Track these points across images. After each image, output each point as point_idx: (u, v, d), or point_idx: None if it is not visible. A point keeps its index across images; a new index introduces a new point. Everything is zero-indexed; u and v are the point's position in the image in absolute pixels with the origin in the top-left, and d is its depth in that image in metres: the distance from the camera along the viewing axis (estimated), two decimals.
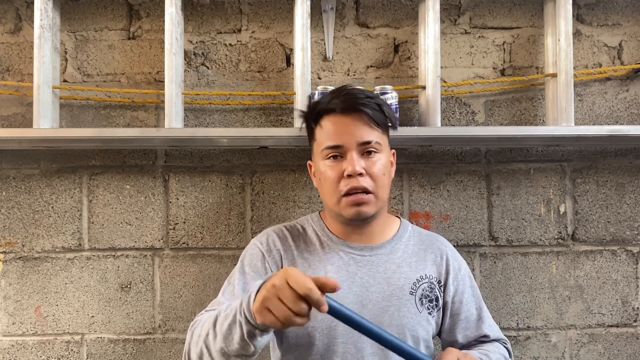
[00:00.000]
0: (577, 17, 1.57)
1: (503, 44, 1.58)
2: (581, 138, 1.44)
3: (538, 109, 1.57)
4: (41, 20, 1.41)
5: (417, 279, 1.11)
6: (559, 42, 1.45)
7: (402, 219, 1.21)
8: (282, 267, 1.09)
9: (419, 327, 1.08)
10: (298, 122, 1.43)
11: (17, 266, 1.52)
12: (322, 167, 1.08)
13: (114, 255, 1.53)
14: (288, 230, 1.16)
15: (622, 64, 1.58)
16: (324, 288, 0.79)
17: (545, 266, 1.55)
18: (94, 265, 1.53)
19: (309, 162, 1.18)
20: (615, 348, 1.55)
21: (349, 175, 1.03)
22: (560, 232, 1.56)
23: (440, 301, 1.13)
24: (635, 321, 1.56)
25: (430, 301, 1.11)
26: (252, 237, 1.52)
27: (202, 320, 0.97)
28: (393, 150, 1.16)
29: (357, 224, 1.10)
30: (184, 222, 1.54)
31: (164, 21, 1.43)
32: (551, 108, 1.49)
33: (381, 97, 1.43)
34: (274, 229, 1.16)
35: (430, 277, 1.12)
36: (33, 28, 1.43)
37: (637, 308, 1.56)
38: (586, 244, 1.56)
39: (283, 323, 0.78)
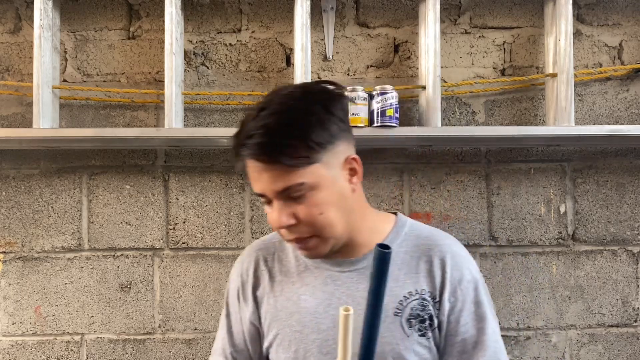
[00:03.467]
0: (578, 17, 1.57)
1: (503, 43, 1.58)
2: (581, 138, 1.44)
3: (538, 109, 1.57)
4: (41, 20, 1.41)
5: (404, 296, 0.92)
6: (559, 42, 1.45)
7: (399, 217, 1.01)
8: (254, 298, 1.01)
9: (408, 353, 0.91)
10: None
11: (17, 266, 1.52)
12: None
13: (114, 256, 1.53)
14: (263, 248, 1.03)
15: (622, 63, 1.58)
16: None
17: (545, 266, 1.55)
18: (93, 266, 1.53)
19: None
20: (616, 348, 1.55)
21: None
22: (560, 232, 1.56)
23: (435, 320, 0.93)
24: (635, 321, 1.55)
25: (422, 321, 0.92)
26: (252, 238, 1.54)
27: None
28: (349, 156, 0.90)
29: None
30: (184, 222, 1.54)
31: (163, 21, 1.43)
32: (551, 108, 1.49)
33: (382, 96, 1.38)
34: (248, 252, 1.05)
35: (422, 292, 0.93)
36: (33, 28, 1.43)
37: (638, 308, 1.56)
38: (586, 244, 1.56)
39: None
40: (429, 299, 0.93)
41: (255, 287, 1.00)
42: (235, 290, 1.03)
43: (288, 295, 0.97)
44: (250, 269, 1.02)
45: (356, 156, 0.91)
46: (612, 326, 1.55)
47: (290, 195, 0.85)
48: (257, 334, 1.00)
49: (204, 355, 1.51)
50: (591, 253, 1.56)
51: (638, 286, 1.56)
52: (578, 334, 1.55)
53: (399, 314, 0.91)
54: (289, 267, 0.99)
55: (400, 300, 0.92)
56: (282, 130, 0.83)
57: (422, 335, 0.92)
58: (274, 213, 0.86)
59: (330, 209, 0.87)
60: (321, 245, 0.89)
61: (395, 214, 1.02)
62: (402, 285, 0.93)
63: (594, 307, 1.55)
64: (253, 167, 0.86)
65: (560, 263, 1.55)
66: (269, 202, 0.88)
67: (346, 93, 1.40)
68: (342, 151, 0.89)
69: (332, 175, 0.88)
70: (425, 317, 0.92)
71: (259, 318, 1.00)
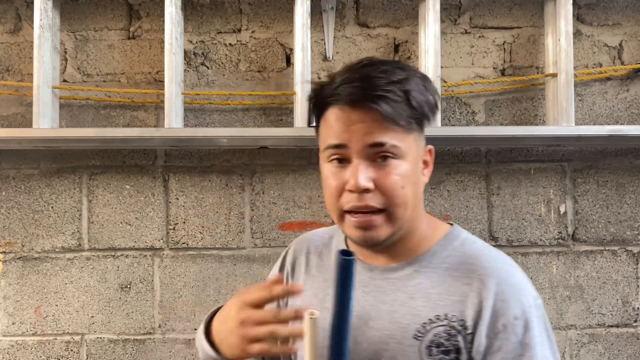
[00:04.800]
0: (578, 17, 1.57)
1: (503, 43, 1.58)
2: (581, 138, 1.44)
3: (538, 109, 1.57)
4: (41, 20, 1.41)
5: (429, 319, 0.79)
6: (559, 42, 1.45)
7: (454, 228, 0.88)
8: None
9: None
10: (299, 121, 1.43)
11: (17, 266, 1.52)
12: (324, 171, 0.83)
13: (114, 256, 1.53)
14: (312, 240, 0.98)
15: (622, 63, 1.58)
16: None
17: (545, 266, 1.55)
18: (93, 266, 1.53)
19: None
20: (616, 348, 1.55)
21: (352, 190, 0.78)
22: (560, 232, 1.56)
23: (464, 356, 0.78)
24: (635, 321, 1.55)
25: (446, 352, 0.78)
26: (252, 238, 1.54)
27: None
28: (429, 147, 0.85)
29: (370, 247, 0.85)
30: (184, 222, 1.54)
31: (163, 21, 1.43)
32: (551, 108, 1.49)
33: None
34: (298, 240, 1.00)
35: (452, 319, 0.79)
36: (33, 28, 1.43)
37: (638, 308, 1.56)
38: (586, 244, 1.56)
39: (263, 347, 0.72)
40: (459, 328, 0.78)
41: (290, 275, 0.96)
42: (277, 266, 1.01)
43: (316, 291, 0.90)
44: (290, 256, 0.99)
45: (433, 148, 0.86)
46: (612, 326, 1.55)
47: (376, 155, 0.78)
48: None
49: None
50: (591, 253, 1.56)
51: (638, 286, 1.56)
52: (578, 334, 1.55)
53: (420, 338, 0.79)
54: (326, 264, 0.92)
55: (424, 323, 0.80)
56: (400, 82, 0.77)
57: None
58: (355, 171, 0.77)
59: (410, 187, 0.79)
60: (385, 226, 0.79)
61: (451, 224, 0.91)
62: (431, 306, 0.80)
63: (594, 307, 1.55)
64: (343, 116, 0.79)
65: (560, 263, 1.55)
66: (342, 160, 0.80)
67: None
68: (424, 138, 0.84)
69: (416, 155, 0.82)
70: (450, 348, 0.78)
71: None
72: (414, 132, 0.80)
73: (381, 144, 0.77)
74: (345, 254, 0.69)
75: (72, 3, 1.55)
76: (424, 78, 0.81)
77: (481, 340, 0.77)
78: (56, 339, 1.51)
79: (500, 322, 0.77)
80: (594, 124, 1.56)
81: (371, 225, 0.79)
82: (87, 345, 1.52)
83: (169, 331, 1.52)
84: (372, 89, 0.76)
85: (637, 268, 1.56)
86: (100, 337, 1.52)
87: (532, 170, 1.56)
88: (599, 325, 1.55)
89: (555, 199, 1.56)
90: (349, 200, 0.78)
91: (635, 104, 1.58)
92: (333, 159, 0.81)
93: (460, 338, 0.78)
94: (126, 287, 1.53)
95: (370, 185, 0.77)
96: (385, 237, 0.80)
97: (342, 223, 0.82)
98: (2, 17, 1.55)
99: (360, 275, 0.84)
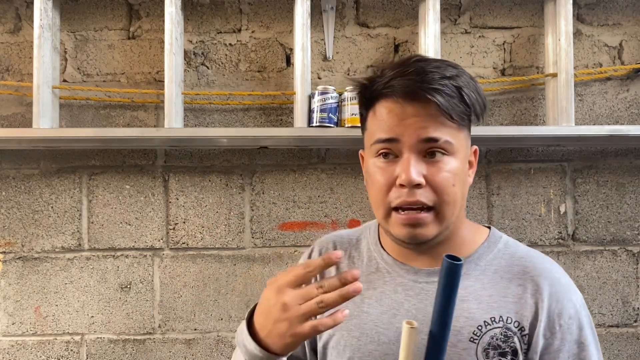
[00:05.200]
0: (578, 17, 1.57)
1: (503, 43, 1.58)
2: (581, 138, 1.44)
3: (538, 109, 1.57)
4: (41, 20, 1.41)
5: (485, 322, 0.79)
6: (560, 42, 1.45)
7: (493, 231, 0.89)
8: None
9: None
10: (299, 121, 1.43)
11: (16, 266, 1.52)
12: (370, 167, 0.81)
13: (114, 256, 1.53)
14: (339, 242, 0.95)
15: (622, 63, 1.58)
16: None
17: None
18: (93, 266, 1.53)
19: (360, 151, 0.89)
20: (616, 348, 1.55)
21: (403, 185, 0.76)
22: (560, 232, 1.56)
23: (520, 357, 0.78)
24: (635, 321, 1.55)
25: (503, 354, 0.78)
26: (252, 238, 1.54)
27: None
28: (474, 147, 0.85)
29: (415, 247, 0.83)
30: (184, 222, 1.54)
31: (163, 21, 1.43)
32: (551, 108, 1.49)
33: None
34: (325, 239, 0.97)
35: (507, 321, 0.79)
36: (33, 28, 1.43)
37: (638, 308, 1.56)
38: (586, 244, 1.56)
39: (310, 326, 0.66)
40: (514, 329, 0.79)
41: (322, 275, 0.88)
42: None
43: None
44: (320, 255, 0.92)
45: (477, 149, 0.85)
46: (612, 326, 1.55)
47: (427, 151, 0.76)
48: None
49: (204, 355, 1.51)
50: (591, 253, 1.56)
51: (638, 286, 1.56)
52: None
53: (476, 341, 0.78)
54: (359, 266, 0.89)
55: (480, 326, 0.79)
56: (453, 78, 0.76)
57: None
58: (407, 165, 0.75)
59: (459, 186, 0.78)
60: (433, 224, 0.78)
61: (488, 227, 0.90)
62: (484, 308, 0.80)
63: (594, 307, 1.55)
64: (396, 109, 0.77)
65: (560, 263, 1.55)
66: (391, 154, 0.78)
67: (346, 93, 1.41)
68: (470, 138, 0.83)
69: (465, 154, 0.81)
70: (507, 350, 0.78)
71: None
72: (464, 129, 0.80)
73: (435, 140, 0.76)
74: (452, 258, 0.66)
75: (72, 3, 1.55)
76: (472, 77, 0.81)
77: (538, 340, 0.78)
78: (56, 339, 1.51)
79: (556, 322, 0.78)
80: (594, 124, 1.56)
81: (419, 223, 0.77)
82: (87, 345, 1.52)
83: (169, 331, 1.52)
84: (429, 82, 0.74)
85: (637, 268, 1.56)
86: (100, 337, 1.52)
87: (532, 170, 1.56)
88: (598, 325, 1.55)
89: (555, 199, 1.56)
90: (399, 196, 0.77)
91: (635, 104, 1.58)
92: (381, 154, 0.79)
93: (516, 339, 0.78)
94: (126, 287, 1.53)
95: (422, 180, 0.75)
96: (432, 236, 0.79)
97: (388, 221, 0.80)
98: (2, 17, 1.55)
99: (401, 278, 0.84)
